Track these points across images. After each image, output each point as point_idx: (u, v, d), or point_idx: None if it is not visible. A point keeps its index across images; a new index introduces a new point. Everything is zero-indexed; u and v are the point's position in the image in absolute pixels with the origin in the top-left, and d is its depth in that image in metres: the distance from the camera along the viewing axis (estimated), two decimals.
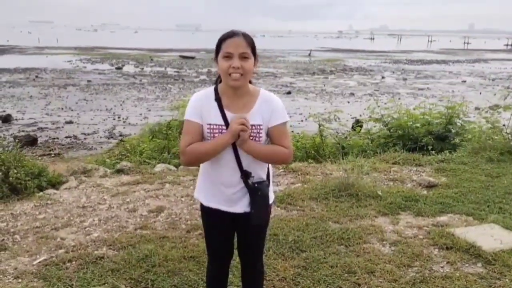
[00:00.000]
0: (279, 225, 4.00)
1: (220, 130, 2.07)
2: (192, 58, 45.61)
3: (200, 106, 2.12)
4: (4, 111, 16.74)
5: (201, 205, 2.31)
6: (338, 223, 4.14)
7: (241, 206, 2.19)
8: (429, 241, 3.81)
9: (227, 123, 2.07)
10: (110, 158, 8.27)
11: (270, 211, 2.33)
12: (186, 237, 3.88)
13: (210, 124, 2.08)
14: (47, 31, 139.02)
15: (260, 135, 2.10)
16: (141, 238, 3.82)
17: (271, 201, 2.24)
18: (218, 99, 2.11)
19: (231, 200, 2.19)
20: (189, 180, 5.58)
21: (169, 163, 6.83)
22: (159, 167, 6.34)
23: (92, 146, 12.83)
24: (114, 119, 16.52)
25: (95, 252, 3.56)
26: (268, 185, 2.20)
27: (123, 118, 16.59)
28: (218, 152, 2.07)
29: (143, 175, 5.83)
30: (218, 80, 2.19)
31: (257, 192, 2.14)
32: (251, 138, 2.08)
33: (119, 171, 6.04)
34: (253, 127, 2.08)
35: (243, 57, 2.03)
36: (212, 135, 2.08)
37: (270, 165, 2.27)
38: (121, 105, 19.20)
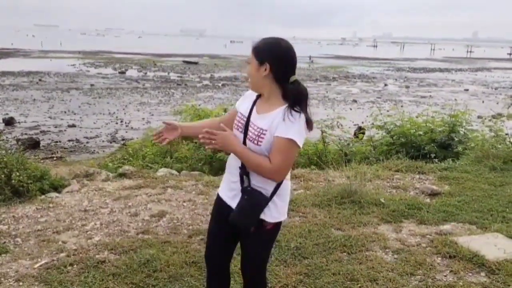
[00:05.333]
0: (282, 231, 3.96)
1: (241, 120, 2.19)
2: (195, 63, 45.77)
3: (245, 98, 2.28)
4: (7, 114, 16.81)
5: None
6: (340, 230, 4.12)
7: (236, 202, 2.17)
8: (432, 250, 3.79)
9: (249, 117, 2.16)
10: (113, 162, 8.29)
11: (266, 230, 2.18)
12: (188, 242, 3.87)
13: (241, 113, 2.22)
14: (52, 35, 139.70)
15: (260, 139, 2.06)
16: (142, 243, 3.80)
17: (267, 218, 2.13)
18: (258, 96, 2.20)
19: (232, 192, 2.21)
20: (191, 185, 5.57)
21: (171, 168, 6.83)
22: (162, 171, 6.34)
23: (94, 150, 12.87)
24: (116, 123, 16.58)
25: (97, 256, 3.55)
26: (263, 198, 2.10)
27: (125, 122, 16.65)
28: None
29: (146, 180, 5.82)
30: None
31: (244, 194, 2.12)
32: (251, 140, 2.09)
33: (122, 175, 6.03)
34: (258, 129, 2.08)
35: (247, 62, 2.14)
36: (238, 122, 2.21)
37: (286, 183, 2.17)
38: (123, 109, 19.27)
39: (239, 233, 2.26)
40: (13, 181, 4.86)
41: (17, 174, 4.89)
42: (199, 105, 12.19)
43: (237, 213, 2.13)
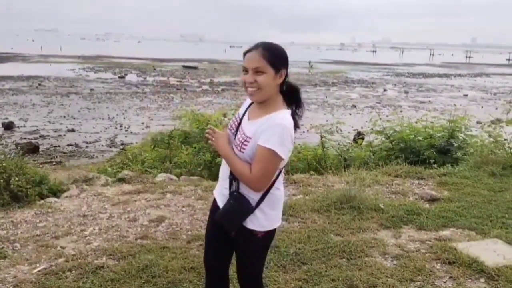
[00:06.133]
0: (280, 237, 3.97)
1: (234, 123, 2.22)
2: (195, 68, 45.85)
3: (245, 104, 2.28)
4: (6, 118, 16.80)
5: None
6: (340, 236, 4.11)
7: None
8: (431, 256, 3.78)
9: (241, 121, 2.19)
10: (112, 166, 8.28)
11: (257, 239, 2.15)
12: (187, 248, 3.86)
13: (237, 113, 2.26)
14: (52, 40, 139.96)
15: (244, 146, 2.05)
16: (141, 248, 3.79)
17: (256, 227, 2.11)
18: (252, 102, 2.21)
19: (223, 197, 2.19)
20: (190, 190, 5.57)
21: (170, 173, 6.82)
22: (161, 176, 6.33)
23: (93, 155, 12.86)
24: (116, 127, 16.58)
25: (95, 261, 3.53)
26: (247, 206, 2.08)
27: (125, 127, 16.65)
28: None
29: (145, 185, 5.81)
30: None
31: (231, 198, 2.11)
32: (236, 145, 2.10)
33: (121, 180, 6.02)
34: (244, 136, 2.09)
35: (257, 71, 2.00)
36: (231, 125, 2.23)
37: (276, 193, 2.15)
38: (123, 114, 19.28)
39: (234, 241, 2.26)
40: (12, 186, 4.85)
41: (16, 179, 4.88)
42: (199, 110, 12.20)
43: (220, 214, 2.15)
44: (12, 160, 5.28)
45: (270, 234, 2.20)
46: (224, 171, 2.22)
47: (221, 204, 2.21)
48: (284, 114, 2.03)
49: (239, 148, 2.07)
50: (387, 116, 9.45)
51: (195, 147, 8.00)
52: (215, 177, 6.57)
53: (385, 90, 31.57)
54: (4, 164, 5.06)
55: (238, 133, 2.14)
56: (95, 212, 4.70)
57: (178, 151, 8.38)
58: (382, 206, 4.81)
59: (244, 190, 2.09)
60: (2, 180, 4.84)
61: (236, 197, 2.10)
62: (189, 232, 4.23)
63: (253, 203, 2.09)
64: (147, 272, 3.35)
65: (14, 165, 5.12)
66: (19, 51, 64.48)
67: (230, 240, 2.24)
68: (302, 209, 4.75)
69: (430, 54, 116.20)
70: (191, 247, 3.89)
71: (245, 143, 2.05)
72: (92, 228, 4.25)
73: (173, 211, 4.82)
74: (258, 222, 2.12)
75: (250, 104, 2.22)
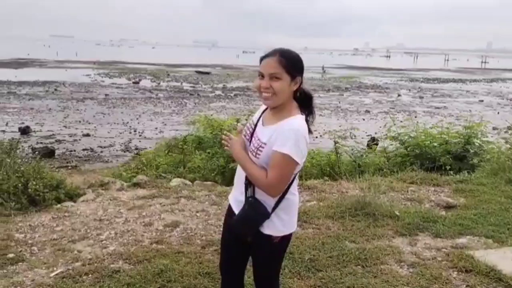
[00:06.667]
0: (295, 243, 3.96)
1: (249, 129, 2.23)
2: (208, 73, 46.09)
3: (260, 109, 2.30)
4: (23, 123, 17.06)
5: None
6: (354, 243, 4.09)
7: None
8: (448, 264, 3.74)
9: (255, 126, 2.20)
10: (126, 171, 8.35)
11: (274, 244, 2.18)
12: (201, 253, 3.87)
13: (251, 119, 2.28)
14: (67, 45, 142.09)
15: (259, 152, 2.07)
16: (156, 253, 3.82)
17: (273, 233, 2.13)
18: (266, 108, 2.22)
19: (240, 204, 2.20)
20: (205, 195, 5.59)
21: (184, 178, 6.86)
22: (175, 181, 6.37)
23: (108, 159, 12.97)
24: (130, 132, 16.72)
25: (111, 265, 3.57)
26: (263, 211, 2.10)
27: (139, 132, 16.78)
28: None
29: (159, 189, 5.85)
30: None
31: (246, 203, 2.12)
32: (251, 151, 2.12)
33: (136, 185, 6.07)
34: (259, 142, 2.11)
35: (273, 77, 2.02)
36: (246, 128, 2.26)
37: (291, 198, 2.16)
38: (137, 119, 19.43)
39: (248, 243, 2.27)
40: (29, 190, 4.93)
41: (34, 183, 4.96)
42: (212, 115, 12.25)
43: (236, 220, 2.16)
44: (30, 165, 5.37)
45: (287, 239, 2.22)
46: (239, 177, 2.23)
47: (236, 210, 2.22)
48: (299, 120, 2.06)
49: (254, 154, 2.09)
50: (401, 121, 9.37)
51: (208, 152, 8.03)
52: (228, 183, 6.59)
53: (399, 95, 31.33)
54: (22, 169, 5.16)
55: (253, 139, 2.15)
56: (111, 216, 4.74)
57: (191, 156, 8.43)
58: (397, 213, 4.77)
59: (260, 195, 2.11)
60: (20, 184, 4.93)
61: (251, 203, 2.11)
62: (204, 237, 4.25)
63: (269, 209, 2.11)
64: (162, 277, 3.37)
65: (32, 169, 5.21)
66: (35, 56, 65.55)
67: (246, 245, 2.26)
68: (316, 215, 4.73)
69: (445, 59, 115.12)
70: (206, 252, 3.91)
71: (260, 149, 2.07)
72: (108, 232, 4.30)
73: (188, 216, 4.85)
74: (274, 227, 2.14)
75: (264, 110, 2.24)
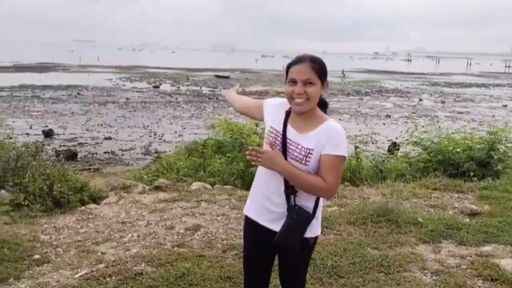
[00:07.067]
0: (316, 249, 3.93)
1: (276, 136, 2.16)
2: (227, 77, 46.31)
3: (278, 107, 2.24)
4: (46, 126, 17.42)
5: (245, 215, 2.35)
6: (377, 250, 4.05)
7: (280, 225, 2.14)
8: (472, 272, 3.67)
9: (284, 133, 2.14)
10: (147, 174, 8.44)
11: (309, 245, 2.23)
12: (222, 257, 3.89)
13: (272, 127, 2.20)
14: (90, 50, 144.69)
15: (308, 159, 2.08)
16: (178, 256, 3.85)
17: (310, 235, 2.16)
18: (288, 112, 2.19)
19: (270, 215, 2.18)
20: (225, 199, 5.61)
21: (204, 181, 6.90)
22: (195, 185, 6.41)
23: (129, 162, 13.15)
24: (150, 136, 16.92)
25: (134, 268, 3.61)
26: (309, 218, 2.13)
27: (159, 135, 16.96)
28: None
29: (180, 193, 5.90)
30: None
31: (292, 213, 2.11)
32: (297, 160, 2.08)
33: (157, 188, 6.14)
34: (303, 149, 2.09)
35: (307, 83, 2.05)
36: (271, 137, 2.18)
37: (321, 200, 2.20)
38: (157, 122, 19.65)
39: (280, 251, 2.26)
40: (54, 192, 5.04)
41: (59, 185, 5.07)
42: (230, 118, 12.30)
43: (284, 234, 2.11)
44: (55, 167, 5.48)
45: (316, 239, 2.27)
46: (271, 186, 2.17)
47: (267, 223, 2.19)
48: (335, 122, 2.14)
49: (302, 161, 2.08)
50: (423, 126, 9.23)
51: (228, 157, 8.06)
52: (248, 187, 6.57)
53: (420, 99, 30.92)
54: (47, 171, 5.27)
55: (292, 147, 2.11)
56: (133, 219, 4.80)
57: (211, 160, 8.47)
58: (420, 220, 4.70)
59: (302, 201, 2.13)
60: (45, 187, 5.04)
61: (299, 211, 2.11)
62: (224, 241, 4.26)
63: (310, 212, 2.15)
64: (184, 280, 3.39)
65: (57, 172, 5.32)
66: (59, 61, 66.95)
67: (272, 255, 2.29)
68: (338, 221, 4.70)
69: (468, 64, 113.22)
70: (227, 256, 3.92)
71: (309, 155, 2.08)
72: (130, 234, 4.35)
73: (208, 219, 4.87)
74: (312, 229, 2.18)
75: (287, 116, 2.18)
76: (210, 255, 3.91)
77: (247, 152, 2.12)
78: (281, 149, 2.13)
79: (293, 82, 2.08)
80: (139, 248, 4.03)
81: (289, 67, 2.13)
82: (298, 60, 2.10)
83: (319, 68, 2.08)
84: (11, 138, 7.33)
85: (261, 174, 2.22)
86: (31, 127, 17.18)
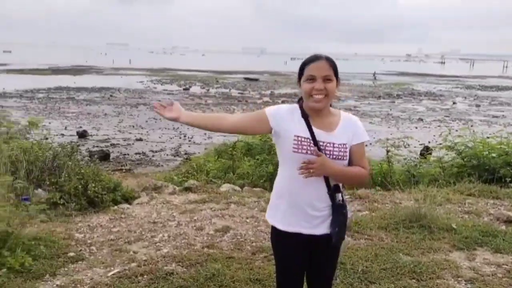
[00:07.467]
0: (346, 253, 3.89)
1: (309, 143, 2.11)
2: (256, 80, 46.41)
3: (285, 115, 2.19)
4: (80, 127, 17.89)
5: (274, 229, 2.27)
6: (409, 256, 3.96)
7: (323, 227, 2.18)
8: (509, 281, 3.55)
9: (314, 138, 2.12)
10: (177, 175, 8.55)
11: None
12: (252, 259, 3.89)
13: (298, 136, 2.12)
14: (122, 53, 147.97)
15: (346, 154, 2.15)
16: (208, 257, 3.88)
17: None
18: (305, 116, 2.17)
19: (314, 221, 2.17)
20: (254, 202, 5.62)
21: (233, 183, 6.94)
22: (225, 187, 6.46)
23: (159, 163, 13.34)
24: (180, 137, 17.13)
25: (165, 267, 3.67)
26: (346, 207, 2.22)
27: (188, 137, 17.15)
28: None
29: (209, 194, 5.95)
30: (301, 100, 2.25)
31: (342, 210, 2.17)
32: (338, 158, 2.13)
33: (187, 189, 6.21)
34: (340, 146, 2.14)
35: (326, 79, 2.10)
36: (301, 146, 2.11)
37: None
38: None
39: (317, 254, 2.27)
40: (89, 191, 5.17)
41: (93, 185, 5.20)
42: None
43: (339, 231, 2.18)
44: (89, 168, 5.63)
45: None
46: (313, 194, 2.15)
47: (311, 230, 2.18)
48: (344, 112, 2.28)
49: (342, 158, 2.15)
50: (456, 130, 8.99)
51: (257, 159, 8.08)
52: None
53: (454, 103, 30.12)
54: (82, 171, 5.42)
55: (328, 147, 2.12)
56: (164, 219, 4.88)
57: (240, 162, 8.51)
58: (454, 226, 4.58)
59: (339, 197, 2.19)
60: (80, 186, 5.18)
61: (345, 206, 2.19)
62: (254, 244, 4.27)
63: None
64: (214, 281, 3.42)
65: (91, 172, 5.46)
66: (93, 64, 68.79)
67: (308, 261, 2.29)
68: (369, 226, 4.63)
69: (504, 66, 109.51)
70: (256, 258, 3.92)
71: (346, 151, 2.15)
72: (161, 234, 4.42)
73: (238, 221, 4.89)
74: None
75: (307, 121, 2.15)
76: (239, 257, 3.92)
77: (301, 171, 2.07)
78: (313, 152, 2.12)
79: (312, 79, 2.11)
80: (170, 248, 4.08)
81: (303, 66, 2.17)
82: (315, 58, 2.15)
83: (333, 65, 2.15)
84: (47, 138, 7.59)
85: (293, 187, 2.16)
86: (66, 128, 17.68)
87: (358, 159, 2.19)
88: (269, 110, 2.20)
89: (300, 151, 2.11)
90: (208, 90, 35.22)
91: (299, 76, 2.18)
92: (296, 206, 2.18)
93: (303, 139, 2.12)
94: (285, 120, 2.17)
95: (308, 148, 2.11)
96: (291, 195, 2.19)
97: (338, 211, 2.16)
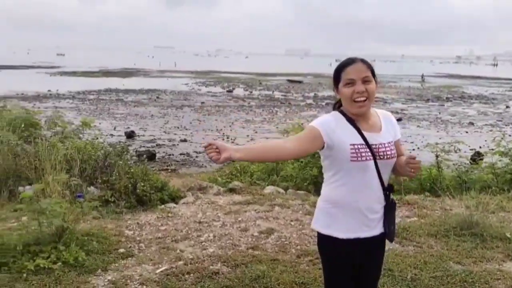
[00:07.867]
0: (394, 260, 3.80)
1: (365, 148, 2.08)
2: (300, 82, 46.24)
3: (335, 125, 2.09)
4: (128, 127, 18.48)
5: (330, 239, 2.17)
6: (460, 264, 3.82)
7: (379, 228, 2.18)
8: None
9: (367, 142, 2.09)
10: (221, 176, 8.65)
11: None
12: (296, 262, 3.88)
13: (354, 144, 2.06)
14: (168, 56, 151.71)
15: (395, 151, 2.18)
16: (252, 258, 3.90)
17: None
18: (351, 120, 2.11)
19: (372, 224, 2.16)
20: (298, 205, 5.60)
21: (277, 186, 6.94)
22: (269, 189, 6.47)
23: (203, 164, 13.54)
24: (223, 139, 17.31)
25: (211, 267, 3.72)
26: None
27: (231, 139, 17.32)
28: None
29: (254, 196, 5.98)
30: (336, 106, 2.23)
31: (394, 207, 2.22)
32: (392, 157, 2.15)
33: (231, 190, 6.28)
34: (389, 144, 2.16)
35: (365, 80, 2.07)
36: (359, 153, 2.06)
37: None
38: (230, 126, 20.08)
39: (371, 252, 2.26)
40: (138, 190, 5.34)
41: (142, 184, 5.36)
42: (302, 123, 12.25)
43: (393, 229, 2.24)
44: (138, 167, 5.81)
45: None
46: (372, 197, 2.13)
47: (368, 232, 2.15)
48: (377, 109, 2.29)
49: (394, 156, 2.17)
50: (510, 135, 8.57)
51: (301, 162, 8.03)
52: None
53: (507, 106, 28.74)
54: (131, 170, 5.60)
55: (382, 148, 2.12)
56: (210, 219, 4.95)
57: (284, 164, 8.49)
58: (508, 235, 4.37)
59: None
60: (130, 185, 5.36)
61: (395, 202, 2.25)
62: (298, 247, 4.25)
63: None
64: (259, 283, 3.43)
65: (140, 171, 5.63)
66: (140, 66, 70.97)
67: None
68: (418, 232, 4.50)
69: None
70: (301, 262, 3.91)
71: (394, 148, 2.19)
72: (207, 234, 4.49)
73: (282, 224, 4.89)
74: None
75: (354, 125, 2.11)
76: (284, 259, 3.92)
77: (413, 173, 2.11)
78: (372, 158, 2.09)
79: (351, 83, 2.07)
80: (215, 248, 4.14)
81: (339, 70, 2.12)
82: (351, 61, 2.11)
83: (371, 66, 2.13)
84: (97, 138, 7.90)
85: (354, 194, 2.11)
86: (115, 129, 18.32)
87: (400, 151, 2.24)
88: (320, 125, 2.08)
89: (359, 159, 2.06)
90: (251, 92, 35.43)
91: (336, 82, 2.14)
92: (355, 213, 2.12)
93: (359, 146, 2.07)
94: (335, 131, 2.08)
95: (366, 154, 2.07)
96: (351, 203, 2.12)
97: (391, 208, 2.20)
